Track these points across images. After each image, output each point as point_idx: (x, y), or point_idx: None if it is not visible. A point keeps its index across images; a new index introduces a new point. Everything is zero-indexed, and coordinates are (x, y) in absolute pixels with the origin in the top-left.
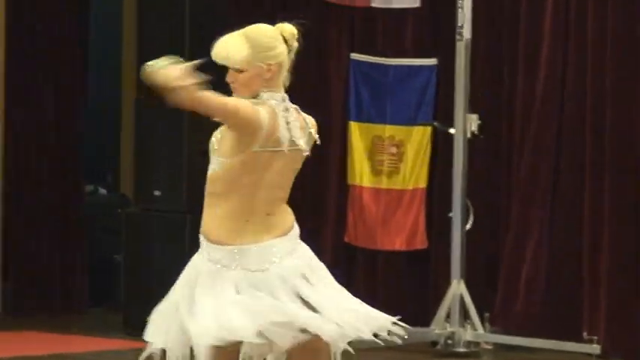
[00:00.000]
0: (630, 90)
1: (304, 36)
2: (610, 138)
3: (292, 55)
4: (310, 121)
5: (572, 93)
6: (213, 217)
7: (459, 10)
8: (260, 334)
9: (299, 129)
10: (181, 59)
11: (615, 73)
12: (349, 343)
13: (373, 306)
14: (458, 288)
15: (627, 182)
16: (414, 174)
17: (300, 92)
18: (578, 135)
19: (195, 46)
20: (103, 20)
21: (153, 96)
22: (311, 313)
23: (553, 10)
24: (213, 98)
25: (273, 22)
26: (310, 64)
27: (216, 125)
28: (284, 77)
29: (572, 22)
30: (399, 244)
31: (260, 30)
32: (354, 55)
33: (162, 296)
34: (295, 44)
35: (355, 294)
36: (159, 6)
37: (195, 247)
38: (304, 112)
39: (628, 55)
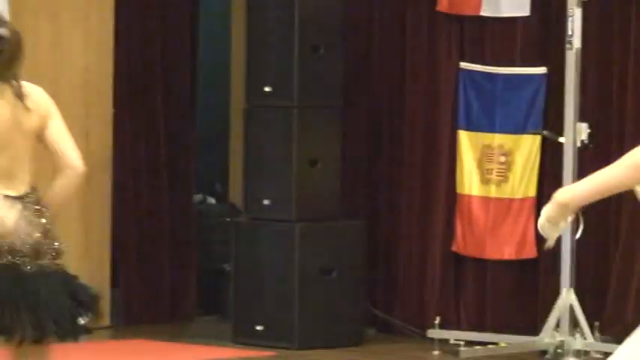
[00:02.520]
0: None
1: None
2: None
3: None
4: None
5: None
6: None
7: (569, 18)
8: None
9: None
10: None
11: None
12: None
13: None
14: (567, 297)
15: None
16: (523, 183)
17: (410, 101)
18: None
19: (304, 58)
20: (212, 29)
21: None
22: None
23: None
24: None
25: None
26: (420, 72)
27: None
28: None
29: None
30: (507, 253)
31: None
32: (464, 64)
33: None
34: None
35: (464, 304)
36: (268, 17)
37: (303, 255)
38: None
39: None
